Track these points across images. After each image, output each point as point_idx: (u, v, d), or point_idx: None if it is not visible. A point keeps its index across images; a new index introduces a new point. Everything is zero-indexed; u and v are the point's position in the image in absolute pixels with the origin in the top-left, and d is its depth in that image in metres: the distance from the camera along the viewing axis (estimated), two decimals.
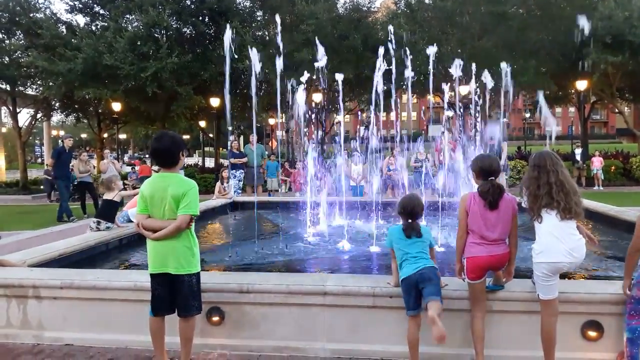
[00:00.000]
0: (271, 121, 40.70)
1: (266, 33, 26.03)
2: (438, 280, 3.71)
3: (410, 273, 3.65)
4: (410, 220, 3.83)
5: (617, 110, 29.64)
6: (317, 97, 24.60)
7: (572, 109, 49.03)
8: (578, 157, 20.48)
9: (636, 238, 3.52)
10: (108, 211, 6.71)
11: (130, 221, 7.48)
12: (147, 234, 3.61)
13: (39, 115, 28.01)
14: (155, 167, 20.82)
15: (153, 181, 3.73)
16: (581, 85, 22.56)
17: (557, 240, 3.45)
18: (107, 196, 6.66)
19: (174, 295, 3.64)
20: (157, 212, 3.61)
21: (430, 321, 3.38)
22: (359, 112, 39.76)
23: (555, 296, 3.54)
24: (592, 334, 3.78)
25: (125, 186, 19.25)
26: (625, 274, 3.66)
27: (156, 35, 23.01)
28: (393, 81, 10.61)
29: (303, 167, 13.41)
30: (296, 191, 13.24)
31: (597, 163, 20.04)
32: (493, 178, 3.66)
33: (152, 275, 3.65)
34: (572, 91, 27.07)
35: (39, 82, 25.27)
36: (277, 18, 10.32)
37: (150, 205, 3.63)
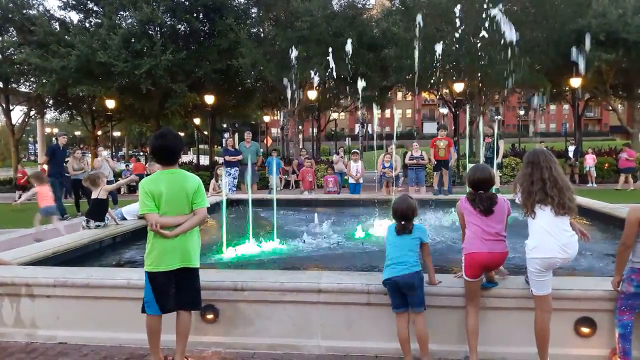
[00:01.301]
0: (266, 119, 40.64)
1: (261, 30, 25.98)
2: (421, 285, 3.71)
3: (391, 276, 3.67)
4: (403, 222, 3.84)
5: (610, 108, 29.78)
6: (312, 95, 24.56)
7: (566, 107, 49.24)
8: (571, 155, 20.55)
9: (626, 235, 3.55)
10: (96, 210, 6.67)
11: (125, 219, 7.46)
12: (165, 232, 3.54)
13: (32, 113, 27.90)
14: (148, 165, 20.76)
15: (165, 178, 3.62)
16: (575, 82, 22.64)
17: (551, 236, 3.47)
18: (94, 195, 6.63)
19: (183, 290, 3.66)
20: (173, 208, 3.59)
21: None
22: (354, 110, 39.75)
23: (548, 292, 3.56)
24: (585, 330, 3.79)
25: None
26: (615, 271, 3.67)
27: (150, 32, 22.96)
28: None
29: (311, 164, 13.29)
30: (304, 189, 13.09)
31: (589, 161, 20.11)
32: (482, 192, 3.74)
33: (162, 273, 3.57)
34: (567, 88, 27.16)
35: (32, 79, 25.18)
36: None
37: (166, 202, 3.57)
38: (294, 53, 14.81)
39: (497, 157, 12.49)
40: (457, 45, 22.93)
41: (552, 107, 62.45)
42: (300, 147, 21.40)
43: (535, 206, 3.53)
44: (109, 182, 12.18)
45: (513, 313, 3.90)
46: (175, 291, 3.63)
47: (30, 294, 4.36)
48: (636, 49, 21.78)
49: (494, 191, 3.85)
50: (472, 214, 3.73)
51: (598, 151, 23.02)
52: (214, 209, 10.54)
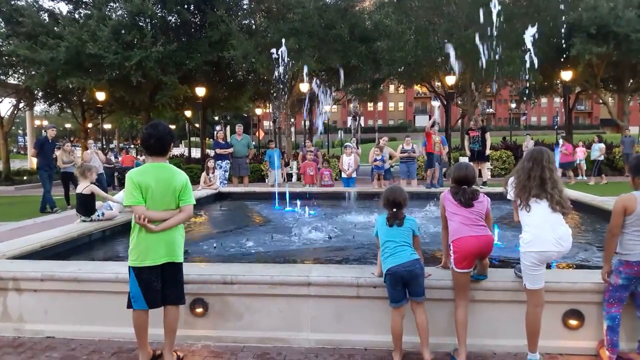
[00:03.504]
0: (258, 111, 40.48)
1: (252, 22, 25.81)
2: (423, 275, 3.75)
3: (395, 265, 3.65)
4: (394, 210, 3.85)
5: (601, 101, 29.92)
6: (304, 87, 24.47)
7: (557, 99, 49.47)
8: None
9: (612, 223, 3.60)
10: (80, 204, 6.62)
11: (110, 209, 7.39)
12: (151, 226, 3.50)
13: (21, 105, 27.56)
14: (142, 158, 20.61)
15: (152, 171, 3.59)
16: (566, 75, 22.73)
17: (546, 230, 3.47)
18: (78, 189, 6.56)
19: (168, 285, 3.64)
20: (158, 202, 3.54)
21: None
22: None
23: (541, 286, 3.56)
24: (573, 322, 3.82)
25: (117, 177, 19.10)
26: (604, 260, 3.72)
27: (140, 23, 22.71)
28: None
29: (314, 158, 13.15)
30: (306, 184, 12.92)
31: (580, 154, 20.20)
32: (465, 187, 3.80)
33: (146, 269, 3.54)
34: (558, 81, 27.27)
35: (21, 71, 24.86)
36: None
37: (152, 196, 3.53)
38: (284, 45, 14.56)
39: (485, 150, 12.53)
40: (447, 40, 22.93)
41: (544, 100, 62.71)
42: (305, 139, 21.16)
43: (531, 200, 3.53)
44: (99, 175, 12.10)
45: (502, 306, 3.91)
46: (162, 286, 3.61)
47: (17, 288, 4.32)
48: (626, 42, 21.88)
49: (480, 185, 3.89)
50: (453, 206, 3.79)
51: (588, 144, 23.13)
52: (205, 201, 10.54)
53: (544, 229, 3.48)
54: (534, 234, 3.50)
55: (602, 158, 19.28)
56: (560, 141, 19.73)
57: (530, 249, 3.50)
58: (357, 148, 13.95)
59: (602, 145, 19.57)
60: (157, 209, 3.55)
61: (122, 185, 15.16)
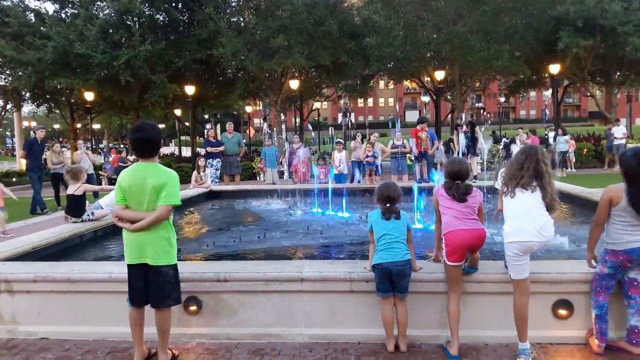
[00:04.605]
0: (248, 109, 40.38)
1: (241, 19, 25.75)
2: (410, 273, 3.82)
3: (389, 262, 3.71)
4: (388, 205, 3.90)
5: (589, 94, 30.16)
6: (294, 84, 24.45)
7: (546, 93, 49.79)
8: (551, 140, 20.80)
9: (597, 214, 3.70)
10: (72, 206, 6.60)
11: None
12: (125, 225, 3.55)
13: (9, 106, 27.37)
14: (132, 157, 20.51)
15: (132, 171, 3.63)
16: (554, 69, 22.90)
17: (527, 220, 3.53)
18: (70, 190, 6.53)
19: (149, 286, 3.61)
20: (136, 202, 3.55)
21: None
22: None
23: (526, 276, 3.62)
24: (563, 312, 3.88)
25: (101, 177, 19.02)
26: (587, 248, 3.84)
27: (128, 22, 22.61)
28: None
29: (305, 154, 13.06)
30: (298, 181, 12.84)
31: (569, 146, 20.34)
32: (459, 182, 3.85)
33: (129, 266, 3.61)
34: (546, 75, 27.47)
35: (7, 72, 24.67)
36: None
37: (129, 196, 3.56)
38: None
39: (476, 145, 12.63)
40: (435, 35, 23.01)
41: (532, 93, 63.06)
42: (293, 134, 21.04)
43: (517, 188, 3.60)
44: (89, 175, 12.03)
45: (494, 297, 3.96)
46: (146, 287, 3.60)
47: (9, 290, 4.31)
48: (613, 35, 22.09)
49: (473, 179, 3.93)
50: (447, 200, 3.83)
51: (577, 137, 23.32)
52: (196, 200, 10.53)
53: (524, 220, 3.54)
54: (515, 225, 3.58)
55: (567, 150, 19.44)
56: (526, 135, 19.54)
57: (512, 240, 3.58)
58: (362, 144, 13.85)
59: (568, 137, 19.77)
60: (138, 209, 3.55)
61: None
